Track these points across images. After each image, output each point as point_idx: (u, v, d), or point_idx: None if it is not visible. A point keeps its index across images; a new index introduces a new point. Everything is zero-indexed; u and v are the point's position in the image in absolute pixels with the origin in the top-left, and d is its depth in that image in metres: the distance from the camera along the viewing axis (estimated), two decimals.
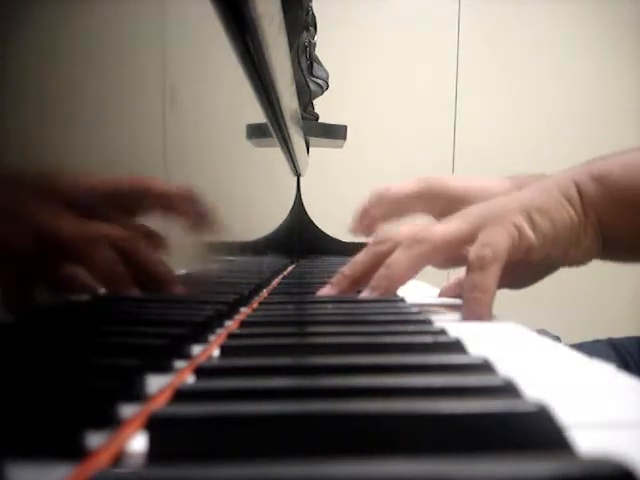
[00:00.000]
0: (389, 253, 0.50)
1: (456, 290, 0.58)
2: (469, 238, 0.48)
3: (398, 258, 0.49)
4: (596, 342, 0.92)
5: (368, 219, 0.69)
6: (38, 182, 0.24)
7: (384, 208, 0.69)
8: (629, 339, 0.90)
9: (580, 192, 0.52)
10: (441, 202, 0.66)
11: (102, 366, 0.22)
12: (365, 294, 0.49)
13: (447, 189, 0.67)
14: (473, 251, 0.47)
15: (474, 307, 0.46)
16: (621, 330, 0.96)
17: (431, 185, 0.68)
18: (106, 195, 0.31)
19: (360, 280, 0.51)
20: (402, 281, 0.50)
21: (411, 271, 0.49)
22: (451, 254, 0.50)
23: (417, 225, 0.52)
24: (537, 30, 2.39)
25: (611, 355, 0.86)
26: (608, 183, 0.52)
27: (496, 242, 0.47)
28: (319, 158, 1.58)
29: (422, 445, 0.16)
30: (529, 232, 0.49)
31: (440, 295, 0.61)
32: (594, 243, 0.53)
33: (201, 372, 0.23)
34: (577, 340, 0.92)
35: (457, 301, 0.55)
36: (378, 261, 0.50)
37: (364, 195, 0.70)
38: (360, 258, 0.53)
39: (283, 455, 0.14)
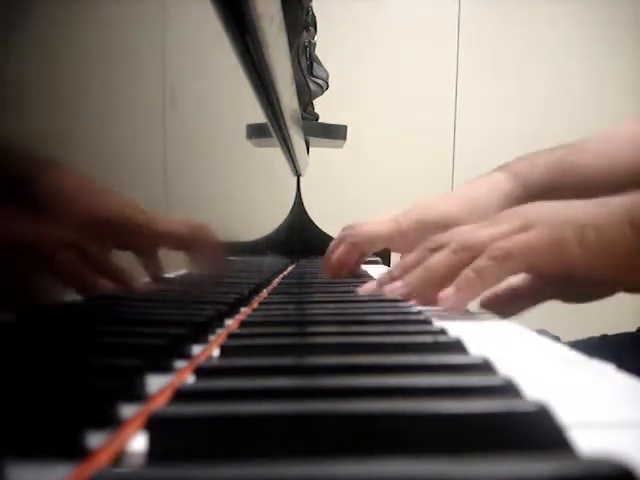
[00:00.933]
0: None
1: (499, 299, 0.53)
2: None
3: (485, 269, 0.45)
4: (590, 339, 0.92)
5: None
6: (36, 182, 0.24)
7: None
8: (624, 335, 0.90)
9: None
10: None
11: (102, 366, 0.22)
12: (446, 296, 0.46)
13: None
14: (498, 241, 0.44)
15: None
16: (621, 330, 0.96)
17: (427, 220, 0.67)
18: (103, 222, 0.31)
19: None
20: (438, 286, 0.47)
21: (447, 280, 0.46)
22: None
23: (466, 229, 0.49)
24: (536, 31, 2.39)
25: (605, 351, 0.85)
26: None
27: (528, 247, 0.44)
28: (319, 158, 1.58)
29: (422, 445, 0.16)
30: (574, 248, 0.45)
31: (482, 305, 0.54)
32: None
33: (201, 372, 0.23)
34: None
35: None
36: None
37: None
38: (410, 260, 0.50)
39: (283, 455, 0.14)
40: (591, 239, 0.45)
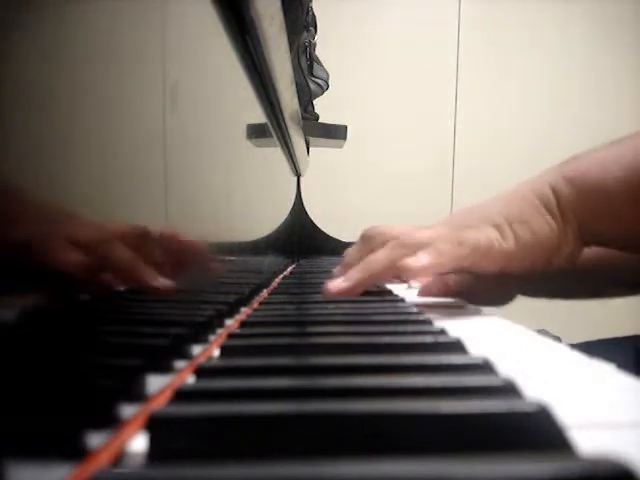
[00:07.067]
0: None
1: (437, 288, 0.57)
2: None
3: (378, 256, 0.51)
4: (601, 342, 0.91)
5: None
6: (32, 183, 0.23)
7: None
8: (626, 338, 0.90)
9: (557, 196, 0.51)
10: None
11: (102, 366, 0.22)
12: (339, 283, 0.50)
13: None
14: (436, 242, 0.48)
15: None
16: (621, 330, 0.96)
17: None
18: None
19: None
20: (378, 278, 0.52)
21: (386, 272, 0.51)
22: None
23: (406, 228, 0.54)
24: (536, 30, 2.39)
25: (628, 354, 0.84)
26: (582, 184, 0.51)
27: (457, 255, 0.48)
28: (319, 158, 1.58)
29: (422, 445, 0.16)
30: (504, 244, 0.49)
31: (420, 294, 0.58)
32: (575, 248, 0.51)
33: (201, 372, 0.23)
34: (576, 340, 0.91)
35: (458, 301, 0.55)
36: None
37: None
38: (352, 257, 0.55)
39: (283, 455, 0.15)
40: (519, 232, 0.50)
